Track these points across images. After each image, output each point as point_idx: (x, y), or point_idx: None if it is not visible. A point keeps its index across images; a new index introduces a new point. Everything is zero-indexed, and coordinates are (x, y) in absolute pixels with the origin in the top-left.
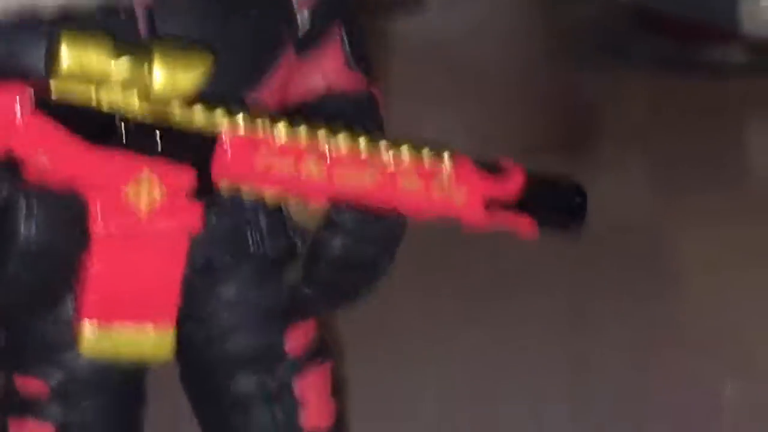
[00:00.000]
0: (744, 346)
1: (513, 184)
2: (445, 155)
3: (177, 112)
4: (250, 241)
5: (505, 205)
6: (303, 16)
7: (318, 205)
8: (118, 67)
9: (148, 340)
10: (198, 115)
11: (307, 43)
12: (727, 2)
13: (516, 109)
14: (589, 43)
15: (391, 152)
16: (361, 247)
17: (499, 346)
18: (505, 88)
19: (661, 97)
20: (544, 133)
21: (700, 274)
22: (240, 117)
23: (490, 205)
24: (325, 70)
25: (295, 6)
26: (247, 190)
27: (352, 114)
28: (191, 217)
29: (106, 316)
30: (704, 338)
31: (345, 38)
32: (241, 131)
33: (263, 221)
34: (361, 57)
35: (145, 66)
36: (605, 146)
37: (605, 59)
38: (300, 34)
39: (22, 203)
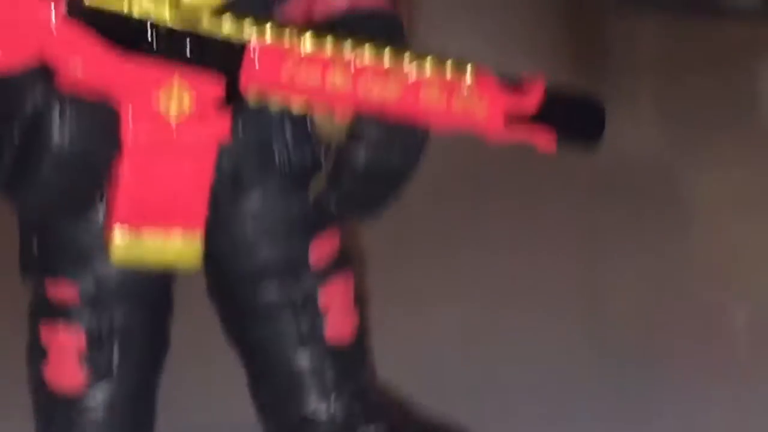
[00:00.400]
0: (752, 276)
1: (533, 97)
2: (468, 69)
3: (206, 22)
4: (276, 153)
5: (526, 118)
6: None
7: (343, 116)
8: None
9: (177, 246)
10: (227, 25)
11: None
12: None
13: (531, 46)
14: None
15: (414, 65)
16: (384, 157)
17: (511, 272)
18: (520, 26)
19: (676, 40)
20: (559, 71)
21: (709, 209)
22: (268, 27)
23: (511, 118)
24: None
25: None
26: (274, 100)
27: (375, 30)
28: (220, 126)
29: (136, 222)
30: (713, 269)
31: None
32: (269, 41)
33: (289, 133)
34: None
35: None
36: (619, 83)
37: (620, 2)
38: None
39: (56, 109)
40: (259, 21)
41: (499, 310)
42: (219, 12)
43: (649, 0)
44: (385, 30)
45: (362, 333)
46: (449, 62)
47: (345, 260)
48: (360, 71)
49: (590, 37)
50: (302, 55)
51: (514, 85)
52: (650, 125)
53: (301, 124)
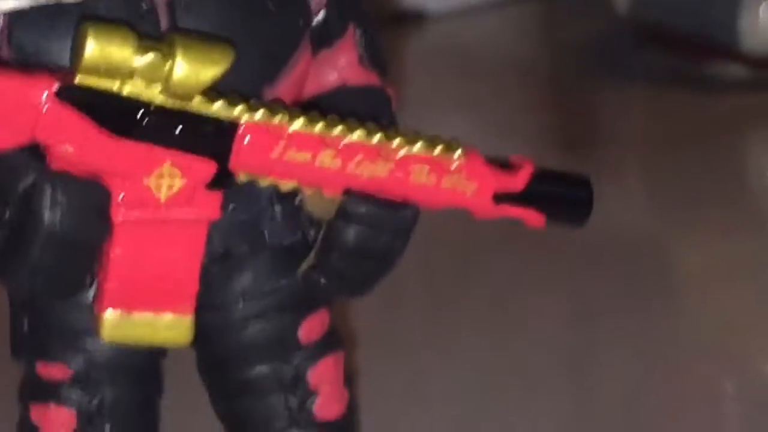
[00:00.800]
0: (740, 348)
1: (521, 177)
2: (456, 148)
3: (198, 105)
4: (266, 231)
5: (514, 198)
6: (319, 15)
7: (332, 194)
8: (142, 61)
9: (167, 326)
10: (218, 108)
11: (322, 41)
12: (727, 17)
13: (517, 119)
14: (591, 58)
15: (403, 143)
16: (374, 236)
17: (501, 347)
18: (506, 100)
19: (662, 111)
20: (547, 142)
21: (696, 284)
22: (259, 111)
23: (499, 197)
24: (339, 67)
25: (312, 4)
26: (264, 179)
27: (365, 109)
28: (210, 206)
29: (126, 303)
30: (701, 343)
31: (359, 37)
32: (259, 120)
33: (279, 211)
34: (375, 56)
35: (168, 60)
36: (606, 157)
37: (607, 73)
38: (315, 32)
39: (47, 190)
40: (251, 104)
41: (491, 385)
42: (209, 92)
43: (636, 71)
44: (375, 107)
45: (352, 412)
46: (438, 141)
47: (335, 339)
48: (349, 149)
49: (577, 110)
50: (293, 138)
51: (502, 164)
52: (639, 197)
53: (290, 201)
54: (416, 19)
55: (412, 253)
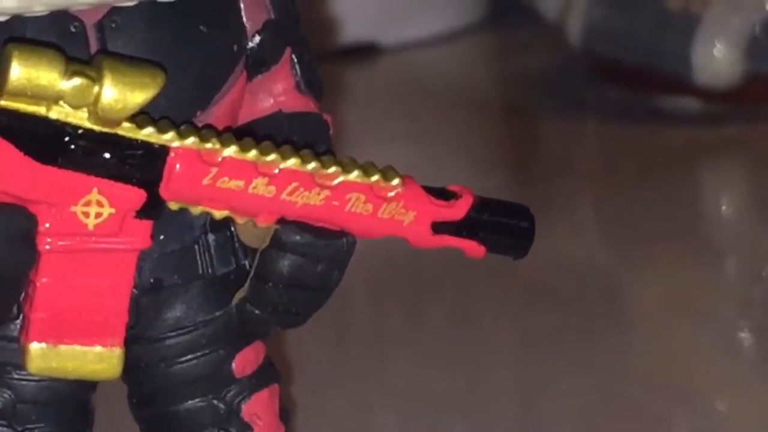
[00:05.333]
0: (691, 382)
1: (461, 206)
2: (395, 179)
3: (127, 131)
4: (199, 261)
5: (453, 228)
6: (254, 40)
7: (266, 222)
8: (69, 85)
9: (96, 359)
10: (148, 134)
11: (258, 66)
12: (681, 51)
13: (469, 151)
14: (544, 89)
15: (339, 170)
16: (309, 265)
17: (449, 380)
18: (458, 131)
19: (614, 143)
20: (496, 175)
21: (648, 317)
22: (190, 137)
23: (438, 225)
24: (275, 92)
25: (247, 28)
26: (196, 206)
27: (302, 135)
28: (140, 235)
29: (53, 335)
30: (653, 377)
31: (295, 63)
32: (191, 150)
33: (212, 240)
34: (311, 82)
35: (96, 84)
36: (558, 189)
37: (559, 106)
38: (250, 56)
39: None
40: (182, 130)
41: (436, 421)
42: (138, 117)
43: (589, 103)
44: (311, 133)
45: None
46: (375, 169)
47: (270, 372)
48: (284, 176)
49: (529, 142)
50: (225, 165)
51: (442, 195)
52: (590, 229)
53: (224, 230)
54: (369, 50)
55: (356, 282)
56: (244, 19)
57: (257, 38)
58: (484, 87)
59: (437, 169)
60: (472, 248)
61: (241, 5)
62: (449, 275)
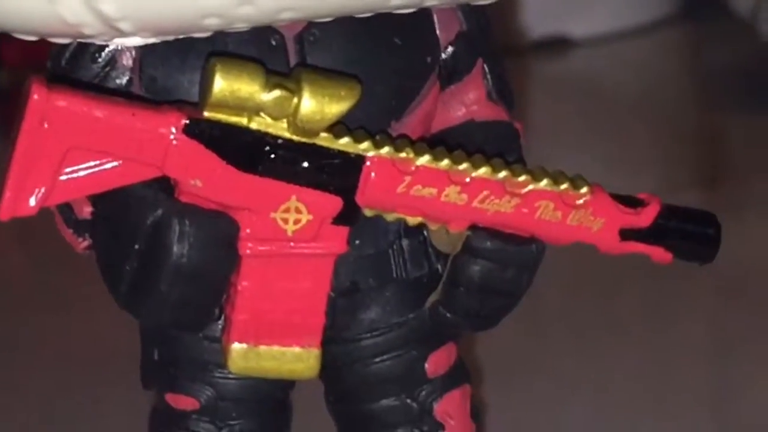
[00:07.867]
0: None
1: (648, 214)
2: (584, 187)
3: (324, 140)
4: (393, 265)
5: (640, 234)
6: (446, 51)
7: (457, 228)
8: (269, 97)
9: (294, 359)
10: (345, 144)
11: (450, 77)
12: None
13: (659, 148)
14: (735, 86)
15: (529, 178)
16: (499, 271)
17: (644, 379)
18: (648, 127)
19: None
20: (688, 173)
21: None
22: (385, 146)
23: (625, 234)
24: (467, 101)
25: (440, 40)
26: (390, 216)
27: (493, 144)
28: (336, 241)
29: (254, 336)
30: None
31: (487, 72)
32: (386, 159)
33: (406, 245)
34: (503, 91)
35: (295, 96)
36: (751, 189)
37: (752, 102)
38: (443, 67)
39: (176, 223)
40: (377, 140)
41: (625, 421)
42: (335, 127)
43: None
44: (502, 142)
45: None
46: (564, 177)
47: (462, 372)
48: (475, 185)
49: (720, 138)
50: (419, 174)
51: (629, 203)
52: None
53: (416, 235)
54: (561, 43)
55: (548, 281)
56: (438, 31)
57: (450, 49)
58: (675, 81)
59: (630, 164)
60: (659, 254)
61: (435, 18)
62: (642, 272)
